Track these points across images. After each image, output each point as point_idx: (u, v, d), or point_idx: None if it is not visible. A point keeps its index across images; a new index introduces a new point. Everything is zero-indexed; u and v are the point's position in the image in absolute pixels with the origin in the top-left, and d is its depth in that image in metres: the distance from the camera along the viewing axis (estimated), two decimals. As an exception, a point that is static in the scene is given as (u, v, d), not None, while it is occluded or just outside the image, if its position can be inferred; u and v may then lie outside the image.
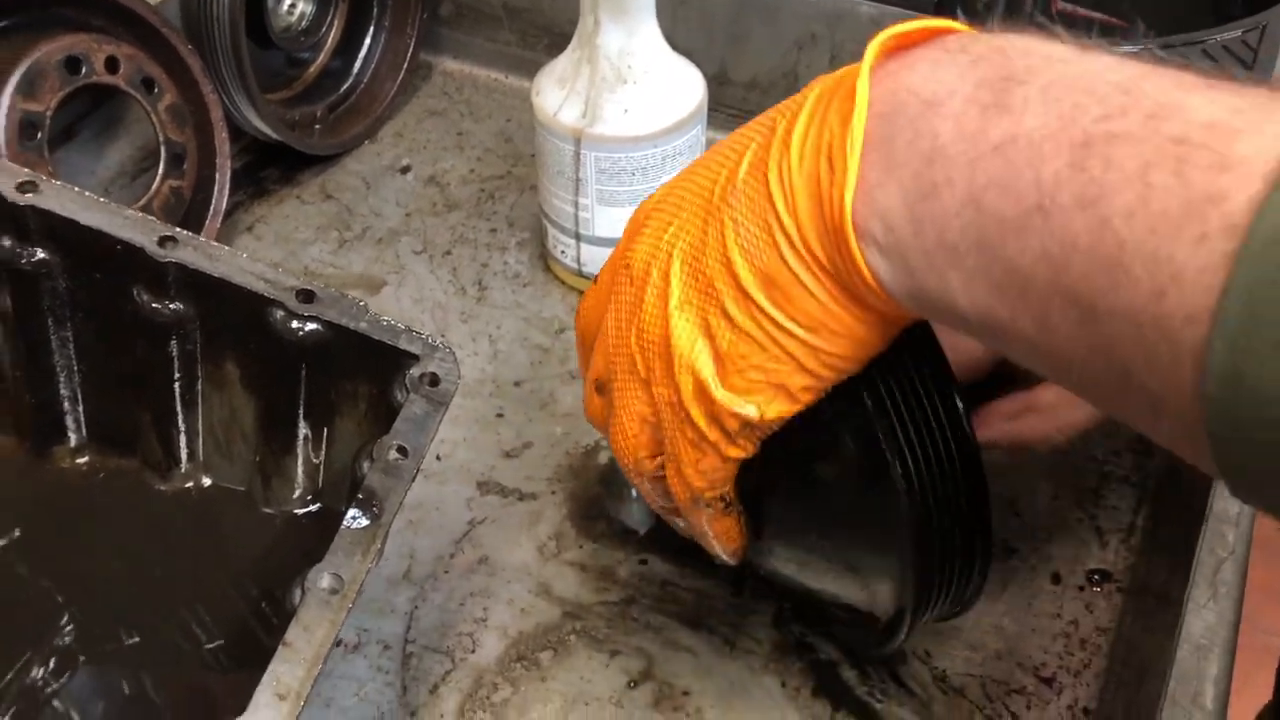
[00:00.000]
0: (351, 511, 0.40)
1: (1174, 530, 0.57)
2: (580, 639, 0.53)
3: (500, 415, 0.63)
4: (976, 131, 0.32)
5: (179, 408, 0.51)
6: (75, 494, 0.55)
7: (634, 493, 0.58)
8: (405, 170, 0.79)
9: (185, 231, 0.45)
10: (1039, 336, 0.33)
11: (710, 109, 0.66)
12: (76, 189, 0.46)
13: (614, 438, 0.45)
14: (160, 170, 0.66)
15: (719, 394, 0.40)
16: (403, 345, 0.45)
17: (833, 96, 0.36)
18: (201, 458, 0.53)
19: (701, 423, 0.41)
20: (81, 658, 0.51)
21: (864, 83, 0.35)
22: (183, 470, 0.54)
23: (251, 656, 0.52)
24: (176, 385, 0.50)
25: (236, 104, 0.71)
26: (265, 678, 0.36)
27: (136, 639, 0.52)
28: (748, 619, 0.54)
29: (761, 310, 0.38)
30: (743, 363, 0.39)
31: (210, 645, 0.52)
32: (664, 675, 0.52)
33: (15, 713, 0.49)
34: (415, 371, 0.45)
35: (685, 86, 0.64)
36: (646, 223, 0.42)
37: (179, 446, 0.53)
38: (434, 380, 0.45)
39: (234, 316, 0.46)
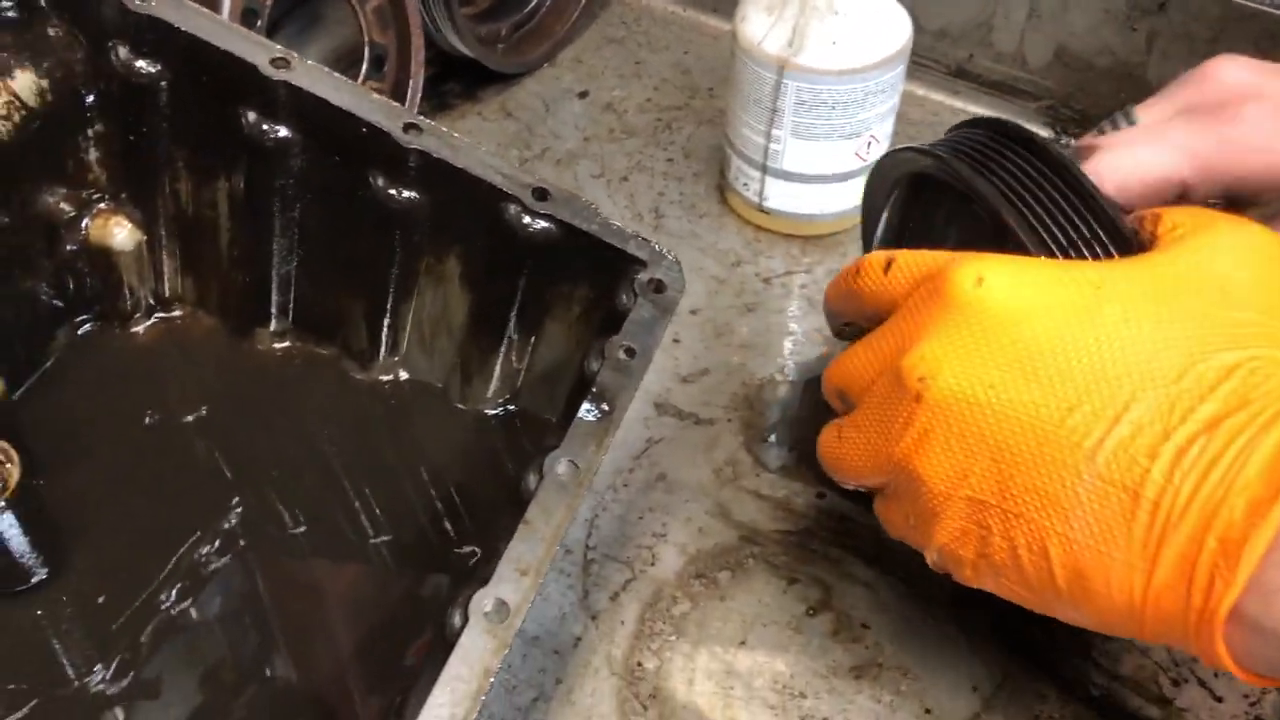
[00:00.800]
0: (585, 405, 0.41)
1: None
2: (758, 563, 0.53)
3: (677, 341, 0.64)
4: None
5: (391, 298, 0.52)
6: (269, 377, 0.56)
7: (773, 438, 0.58)
8: (583, 95, 0.79)
9: (429, 120, 0.46)
10: None
11: (900, 53, 0.65)
12: (325, 69, 0.46)
13: (829, 458, 0.44)
14: (363, 70, 0.67)
15: (966, 575, 0.39)
16: (631, 250, 0.45)
17: (1239, 463, 0.32)
18: (404, 350, 0.54)
19: (932, 558, 0.40)
20: (243, 541, 0.52)
21: None
22: (382, 362, 0.55)
23: (416, 556, 0.53)
24: (394, 275, 0.51)
25: (432, 13, 0.72)
26: (507, 553, 0.37)
27: (303, 528, 0.53)
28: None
29: (1052, 583, 0.35)
30: (1000, 581, 0.37)
31: (376, 540, 0.52)
32: (842, 606, 0.52)
33: (182, 589, 0.51)
34: (643, 276, 0.45)
35: (893, 23, 0.63)
36: (956, 336, 0.36)
37: (384, 337, 0.54)
38: (660, 287, 0.45)
39: (467, 209, 0.47)
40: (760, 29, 0.63)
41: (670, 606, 0.52)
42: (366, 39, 0.66)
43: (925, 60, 0.78)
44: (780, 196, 0.67)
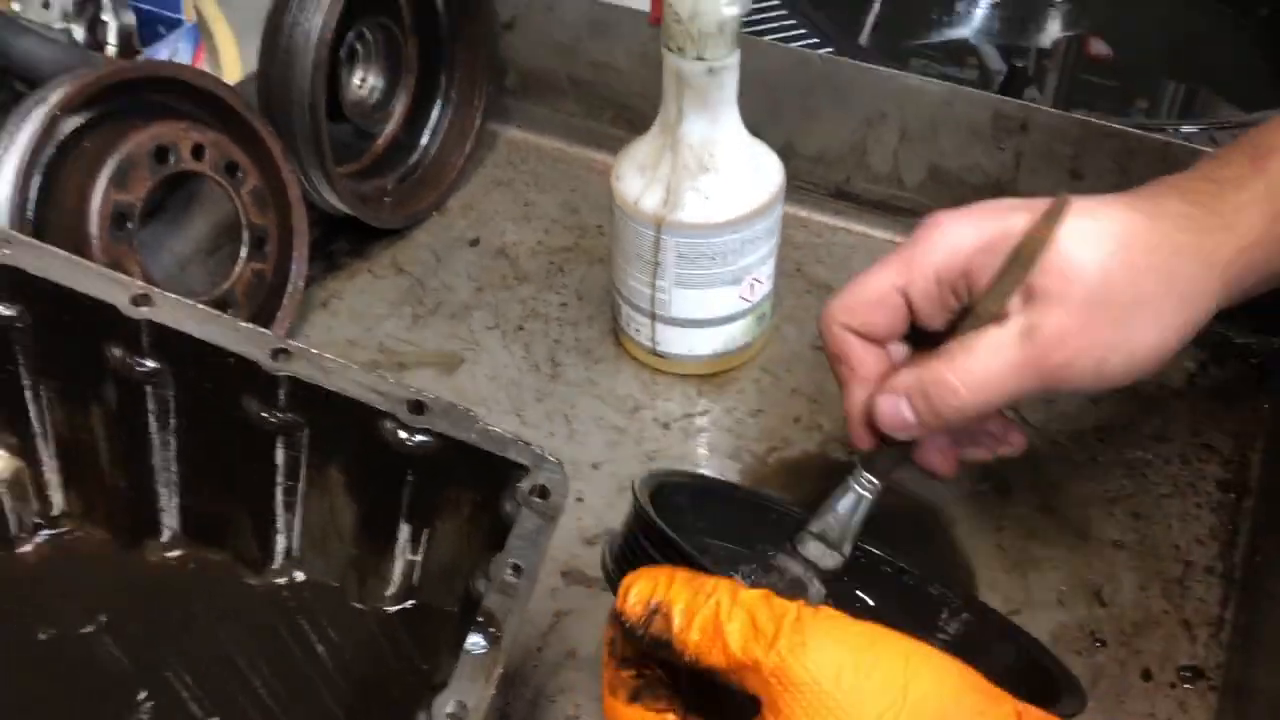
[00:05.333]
0: (472, 637, 0.40)
1: (1268, 624, 0.56)
2: (675, 738, 0.53)
3: (580, 500, 0.64)
4: None
5: (279, 509, 0.51)
6: (164, 585, 0.56)
7: None
8: (474, 243, 0.79)
9: (297, 344, 0.46)
10: None
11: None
12: (190, 302, 0.46)
13: None
14: (244, 254, 0.66)
15: None
16: (512, 456, 0.45)
17: None
18: (297, 554, 0.54)
19: None
20: None
21: None
22: (276, 566, 0.54)
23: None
24: (279, 488, 0.50)
25: (312, 180, 0.71)
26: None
27: (216, 718, 0.52)
28: None
29: None
30: None
31: None
32: (759, 776, 0.52)
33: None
34: (525, 484, 0.45)
35: (765, 172, 0.64)
36: None
37: (275, 545, 0.53)
38: (543, 493, 0.45)
39: (344, 426, 0.47)
40: (636, 188, 0.64)
41: (586, 795, 0.51)
42: (245, 221, 0.66)
43: (805, 184, 0.79)
44: (671, 341, 0.68)
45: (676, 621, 0.41)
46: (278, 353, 0.45)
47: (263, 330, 0.46)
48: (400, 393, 0.46)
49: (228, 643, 0.54)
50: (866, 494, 0.51)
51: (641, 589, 0.42)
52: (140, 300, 0.45)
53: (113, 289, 0.45)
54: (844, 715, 0.38)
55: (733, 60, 0.60)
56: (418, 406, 0.46)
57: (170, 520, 0.54)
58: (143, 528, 0.54)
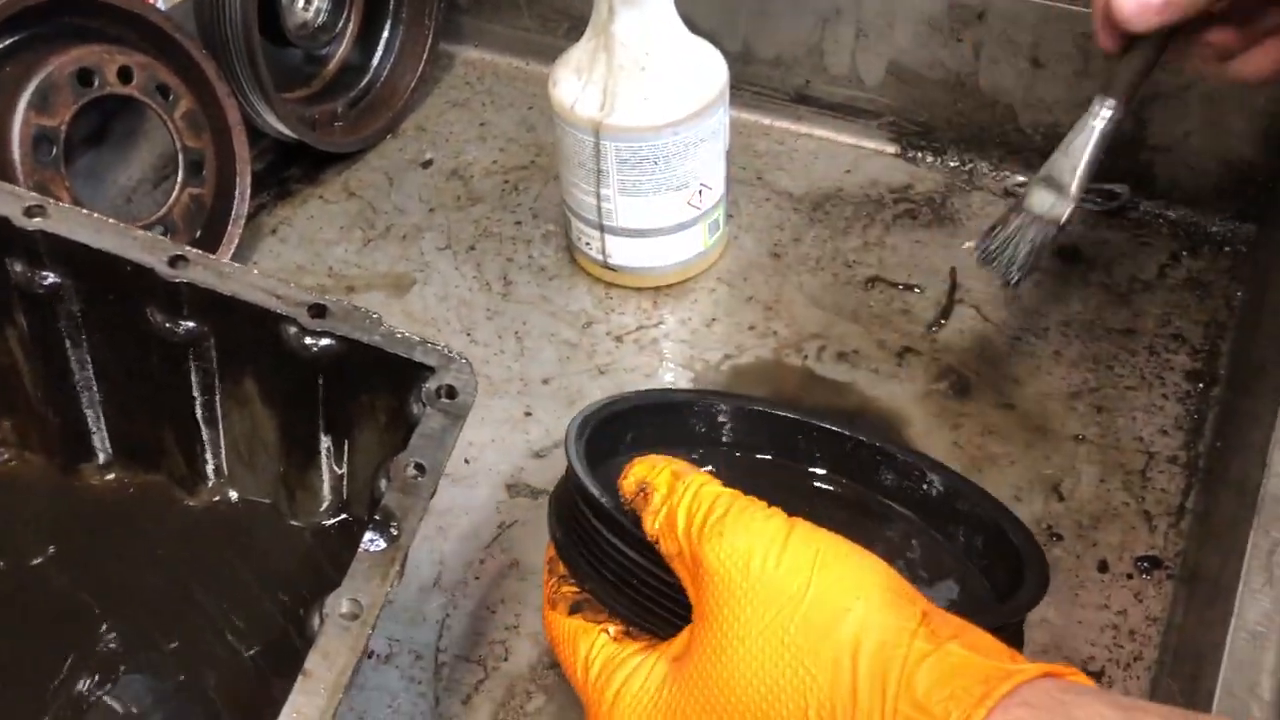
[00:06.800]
0: (369, 535, 0.39)
1: (1226, 513, 0.55)
2: (614, 644, 0.52)
3: (529, 414, 0.63)
4: None
5: (201, 424, 0.51)
6: (105, 509, 0.56)
7: None
8: (428, 164, 0.78)
9: (195, 250, 0.45)
10: None
11: (734, 87, 0.64)
12: (85, 211, 0.45)
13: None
14: (179, 178, 0.65)
15: None
16: (418, 358, 0.44)
17: None
18: (227, 472, 0.53)
19: None
20: (122, 667, 0.51)
21: None
22: (209, 485, 0.54)
23: (289, 663, 0.52)
24: (197, 402, 0.50)
25: (254, 106, 0.70)
26: (285, 710, 0.36)
27: (176, 644, 0.52)
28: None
29: None
30: None
31: (249, 652, 0.52)
32: (700, 679, 0.51)
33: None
34: (431, 384, 0.44)
35: (706, 71, 0.62)
36: None
37: (204, 462, 0.52)
38: (451, 392, 0.44)
39: (248, 333, 0.46)
40: (572, 92, 0.62)
41: (524, 703, 0.51)
42: (179, 146, 0.65)
43: (765, 89, 0.77)
44: (622, 253, 0.67)
45: (653, 501, 0.41)
46: (175, 259, 0.44)
47: (159, 237, 0.45)
48: (300, 296, 0.45)
49: (177, 565, 0.54)
50: (1102, 122, 0.49)
51: (638, 470, 0.43)
52: (34, 211, 0.44)
53: (5, 201, 0.45)
54: (747, 603, 0.37)
55: (662, -49, 0.58)
56: (318, 310, 0.44)
57: (102, 443, 0.54)
58: (77, 452, 0.54)
